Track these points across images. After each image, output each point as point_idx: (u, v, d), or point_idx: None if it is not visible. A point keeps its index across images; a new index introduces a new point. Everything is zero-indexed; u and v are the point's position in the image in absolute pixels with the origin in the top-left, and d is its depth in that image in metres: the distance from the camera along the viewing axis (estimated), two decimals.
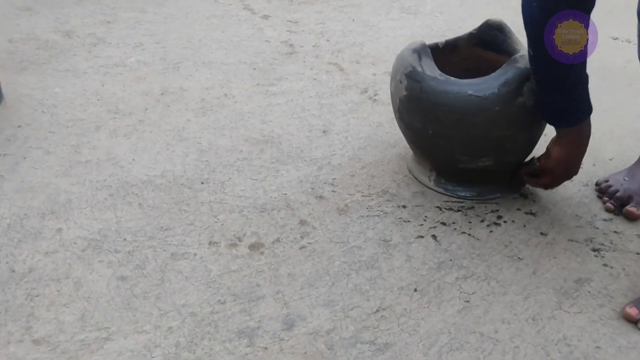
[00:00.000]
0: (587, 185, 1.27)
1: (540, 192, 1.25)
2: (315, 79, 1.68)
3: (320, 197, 1.23)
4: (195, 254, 1.09)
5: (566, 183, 1.20)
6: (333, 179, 1.28)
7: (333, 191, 1.24)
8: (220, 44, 1.86)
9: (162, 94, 1.58)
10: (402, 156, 1.35)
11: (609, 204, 1.20)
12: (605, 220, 1.18)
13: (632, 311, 0.98)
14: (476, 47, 1.27)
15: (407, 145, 1.32)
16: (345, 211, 1.19)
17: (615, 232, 1.15)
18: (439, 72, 1.14)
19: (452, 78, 1.12)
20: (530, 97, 1.10)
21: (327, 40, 1.92)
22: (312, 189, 1.25)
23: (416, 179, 1.28)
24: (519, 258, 1.09)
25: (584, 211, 1.20)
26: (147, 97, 1.56)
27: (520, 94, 1.09)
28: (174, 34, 1.91)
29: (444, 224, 1.16)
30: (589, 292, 1.02)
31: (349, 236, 1.13)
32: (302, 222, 1.16)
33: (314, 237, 1.13)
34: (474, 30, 1.26)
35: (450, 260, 1.08)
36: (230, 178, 1.28)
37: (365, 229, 1.15)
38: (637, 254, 1.10)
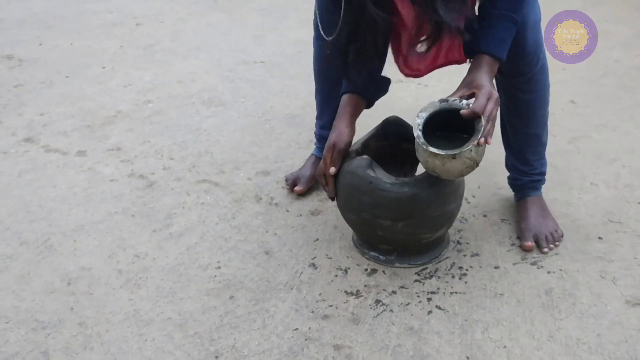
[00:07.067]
0: (486, 215, 1.61)
1: (465, 232, 1.53)
2: (203, 204, 1.67)
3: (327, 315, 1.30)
4: None
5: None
6: (319, 295, 1.36)
7: (339, 306, 1.33)
8: (66, 202, 1.68)
9: None
10: (348, 247, 1.49)
11: None
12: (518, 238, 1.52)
13: (529, 244, 1.32)
14: (383, 141, 1.47)
15: (351, 238, 1.48)
16: (359, 318, 1.29)
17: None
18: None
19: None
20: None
21: (172, 159, 1.89)
22: (312, 311, 1.31)
23: (374, 261, 1.44)
24: (500, 294, 1.35)
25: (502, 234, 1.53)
26: None
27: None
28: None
29: (433, 292, 1.36)
30: (559, 297, 1.34)
31: (376, 328, 1.24)
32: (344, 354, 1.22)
33: None
34: (379, 127, 1.45)
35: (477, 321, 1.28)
36: None
37: (390, 322, 1.26)
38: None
